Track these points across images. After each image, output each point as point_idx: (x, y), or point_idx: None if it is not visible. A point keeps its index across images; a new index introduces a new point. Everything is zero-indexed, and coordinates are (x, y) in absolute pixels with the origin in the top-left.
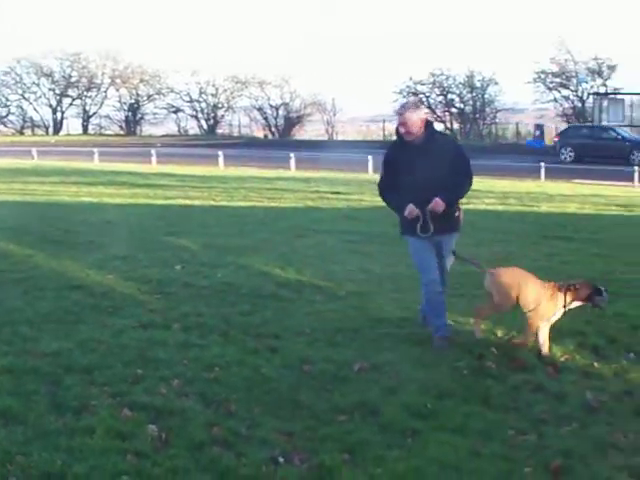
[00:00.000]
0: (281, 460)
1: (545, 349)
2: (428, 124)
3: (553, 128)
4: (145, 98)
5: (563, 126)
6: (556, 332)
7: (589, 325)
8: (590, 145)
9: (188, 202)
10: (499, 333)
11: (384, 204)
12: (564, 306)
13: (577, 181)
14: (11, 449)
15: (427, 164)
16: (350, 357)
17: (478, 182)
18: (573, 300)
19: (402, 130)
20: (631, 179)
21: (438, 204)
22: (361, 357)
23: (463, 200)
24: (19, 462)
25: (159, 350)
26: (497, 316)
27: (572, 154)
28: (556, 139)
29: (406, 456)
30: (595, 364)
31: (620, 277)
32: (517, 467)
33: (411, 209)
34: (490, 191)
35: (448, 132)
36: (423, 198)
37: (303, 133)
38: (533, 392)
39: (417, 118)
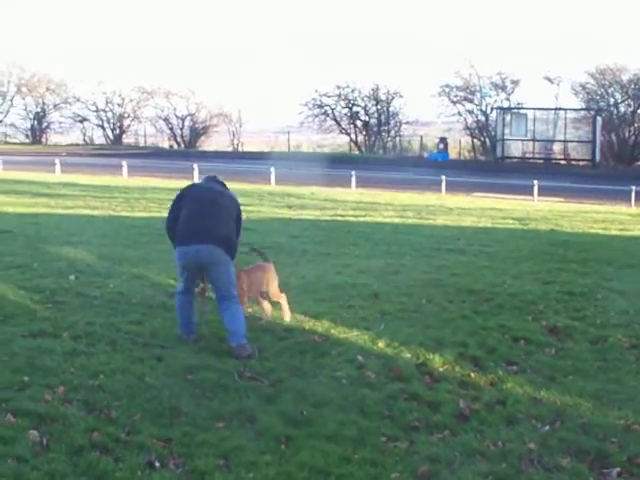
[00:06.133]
0: (157, 464)
1: None
2: None
3: (459, 141)
4: (51, 107)
5: (467, 140)
6: (437, 343)
7: (471, 337)
8: None
9: (88, 212)
10: (381, 344)
11: (280, 216)
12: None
13: (477, 194)
14: None
15: None
16: (232, 366)
17: (378, 195)
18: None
19: None
20: (531, 193)
21: None
22: (243, 366)
23: (360, 212)
24: None
25: (47, 358)
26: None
27: None
28: None
29: (278, 462)
30: (472, 374)
31: (506, 289)
32: (385, 472)
33: None
34: (389, 204)
35: (353, 144)
36: None
37: (209, 144)
38: (408, 401)
39: None
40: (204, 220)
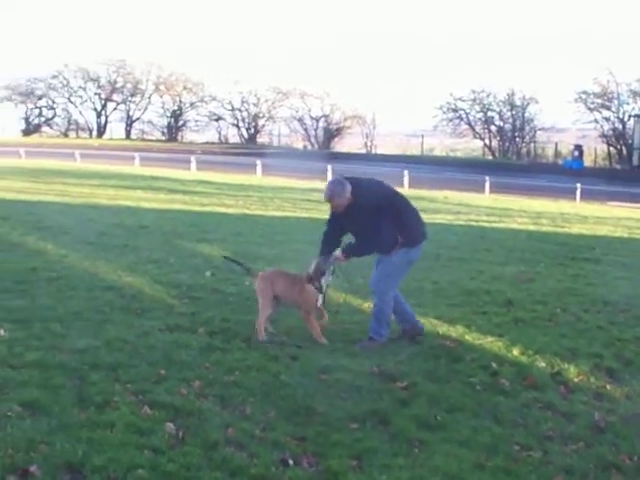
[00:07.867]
0: (291, 462)
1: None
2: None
3: (594, 149)
4: (188, 105)
5: (603, 148)
6: (572, 353)
7: (607, 348)
8: None
9: (223, 210)
10: (515, 351)
11: None
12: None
13: (613, 203)
14: (35, 438)
15: (346, 222)
16: (367, 368)
17: (512, 201)
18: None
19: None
20: None
21: (338, 257)
22: (378, 368)
23: (494, 218)
24: (42, 451)
25: (183, 352)
26: (514, 335)
27: None
28: None
29: (411, 465)
30: (608, 386)
31: None
32: None
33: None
34: (523, 210)
35: (486, 149)
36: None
37: (342, 145)
38: (542, 410)
39: (344, 200)
40: None
